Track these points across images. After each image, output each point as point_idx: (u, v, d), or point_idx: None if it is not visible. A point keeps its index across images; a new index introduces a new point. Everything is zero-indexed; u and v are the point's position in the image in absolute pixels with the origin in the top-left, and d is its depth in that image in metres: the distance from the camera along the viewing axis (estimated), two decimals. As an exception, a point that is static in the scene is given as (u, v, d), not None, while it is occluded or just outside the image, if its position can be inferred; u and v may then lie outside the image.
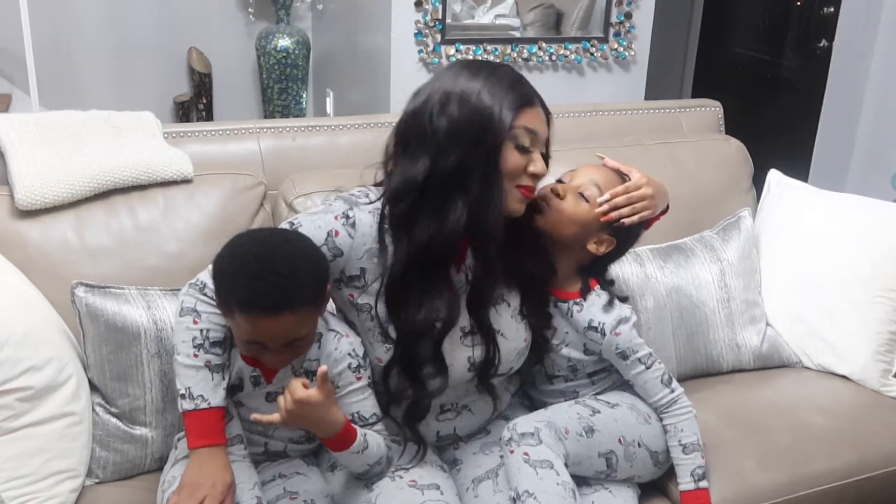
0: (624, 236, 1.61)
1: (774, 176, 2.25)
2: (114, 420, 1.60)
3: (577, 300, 1.61)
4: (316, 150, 2.05)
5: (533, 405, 1.72)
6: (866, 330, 1.97)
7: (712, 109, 2.45)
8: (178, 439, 1.56)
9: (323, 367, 1.34)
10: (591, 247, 1.60)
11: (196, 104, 3.79)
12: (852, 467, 1.78)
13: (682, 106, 2.42)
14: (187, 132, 1.98)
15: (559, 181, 1.61)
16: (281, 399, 1.34)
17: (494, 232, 1.41)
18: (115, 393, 1.59)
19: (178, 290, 1.65)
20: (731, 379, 2.01)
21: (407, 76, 2.93)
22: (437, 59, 2.93)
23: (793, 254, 2.10)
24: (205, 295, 1.43)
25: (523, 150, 1.40)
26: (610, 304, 1.61)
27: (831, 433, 1.83)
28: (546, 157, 1.48)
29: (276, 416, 1.35)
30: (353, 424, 1.42)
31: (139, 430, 1.60)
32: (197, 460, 1.38)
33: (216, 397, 1.40)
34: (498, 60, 2.96)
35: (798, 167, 3.55)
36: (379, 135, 2.10)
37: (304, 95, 3.78)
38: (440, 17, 2.89)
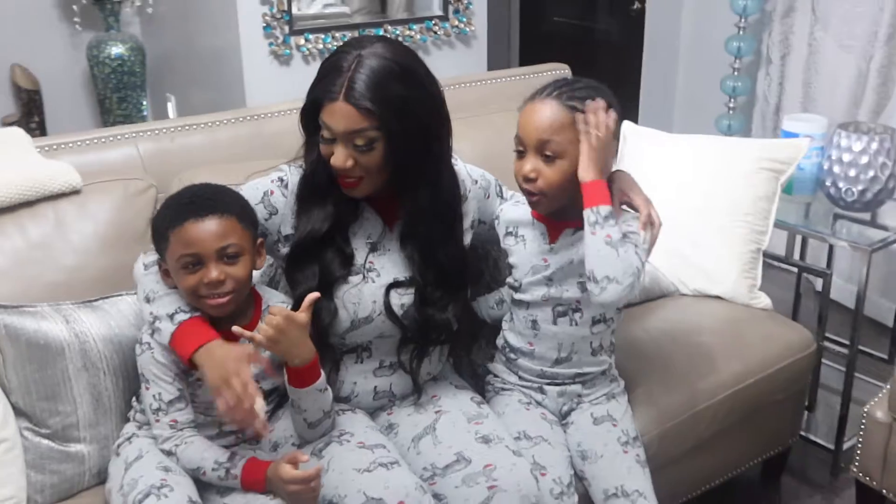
0: None
1: (628, 126, 2.43)
2: (45, 441, 1.55)
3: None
4: (197, 147, 2.03)
5: (471, 366, 1.80)
6: (731, 252, 2.18)
7: (561, 72, 2.62)
8: (119, 445, 1.53)
9: (314, 294, 1.44)
10: None
11: (27, 123, 3.59)
12: (738, 375, 1.99)
13: (535, 71, 2.59)
14: (60, 144, 1.91)
15: (518, 150, 1.59)
16: (262, 324, 1.40)
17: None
18: (45, 413, 1.54)
19: (90, 301, 1.63)
20: (621, 315, 2.17)
21: (259, 70, 2.91)
22: (287, 51, 2.93)
23: (657, 194, 2.27)
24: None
25: (326, 141, 1.51)
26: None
27: (716, 349, 2.03)
28: (363, 146, 1.48)
29: (259, 335, 1.39)
30: None
31: (74, 447, 1.56)
32: (206, 361, 1.40)
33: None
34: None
35: (628, 119, 3.80)
36: (258, 126, 2.13)
37: (145, 102, 3.67)
38: (286, 8, 2.89)
